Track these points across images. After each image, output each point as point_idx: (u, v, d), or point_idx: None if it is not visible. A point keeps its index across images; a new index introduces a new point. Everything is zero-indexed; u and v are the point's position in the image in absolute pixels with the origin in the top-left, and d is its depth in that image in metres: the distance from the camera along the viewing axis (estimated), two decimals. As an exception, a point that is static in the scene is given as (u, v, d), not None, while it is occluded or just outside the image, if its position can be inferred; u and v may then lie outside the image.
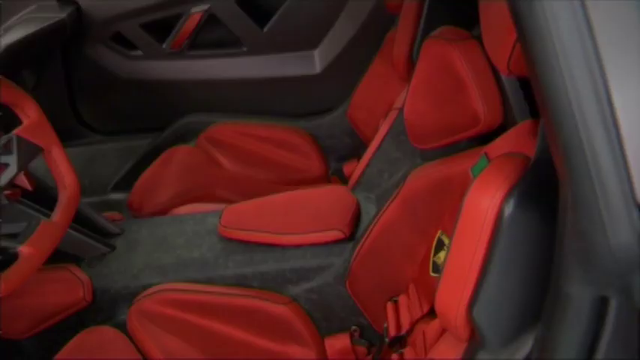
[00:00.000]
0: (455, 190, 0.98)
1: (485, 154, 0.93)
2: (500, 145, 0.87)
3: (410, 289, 1.09)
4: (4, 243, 0.97)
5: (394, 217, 1.12)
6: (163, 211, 1.63)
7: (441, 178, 1.02)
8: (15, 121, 1.09)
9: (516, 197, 0.62)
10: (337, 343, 1.27)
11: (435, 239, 1.03)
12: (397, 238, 1.13)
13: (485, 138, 1.02)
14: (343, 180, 1.76)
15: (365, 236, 1.19)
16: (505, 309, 0.65)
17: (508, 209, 0.61)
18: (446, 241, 1.00)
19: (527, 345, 0.65)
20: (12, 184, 1.05)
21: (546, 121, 0.53)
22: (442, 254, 1.01)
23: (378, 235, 1.16)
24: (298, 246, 1.31)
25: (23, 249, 0.97)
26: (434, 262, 1.03)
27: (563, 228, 0.56)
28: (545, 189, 0.62)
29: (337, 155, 1.94)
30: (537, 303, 0.64)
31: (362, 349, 1.27)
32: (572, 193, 0.53)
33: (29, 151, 1.06)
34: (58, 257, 1.32)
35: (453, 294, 0.67)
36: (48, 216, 1.14)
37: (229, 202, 1.52)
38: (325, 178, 1.89)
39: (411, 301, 1.08)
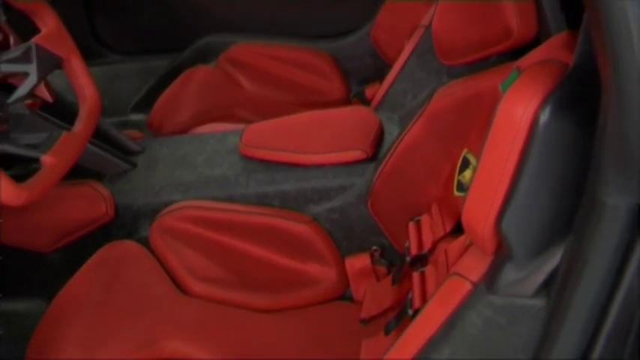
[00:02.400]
0: (483, 107, 0.95)
1: (517, 68, 0.90)
2: (533, 58, 0.84)
3: (433, 209, 1.08)
4: (26, 153, 0.97)
5: (418, 136, 1.10)
6: (183, 131, 1.63)
7: (469, 95, 1.00)
8: (33, 31, 1.07)
9: (553, 104, 0.59)
10: (357, 262, 1.28)
11: (461, 158, 1.01)
12: (421, 158, 1.11)
13: (517, 53, 0.98)
14: (364, 103, 1.73)
15: (388, 156, 1.17)
16: (535, 220, 0.64)
17: (544, 117, 0.59)
18: (472, 159, 0.98)
19: (555, 257, 0.64)
20: (32, 94, 1.04)
21: (593, 19, 0.50)
22: (467, 173, 0.99)
23: (402, 154, 1.14)
24: (320, 165, 1.30)
25: (45, 159, 0.97)
26: (458, 181, 1.01)
27: (602, 135, 0.54)
28: (584, 97, 0.60)
29: (359, 78, 1.90)
30: (568, 214, 0.62)
31: (382, 269, 1.27)
32: (616, 98, 0.51)
33: (48, 61, 1.04)
34: (81, 174, 1.33)
35: (482, 205, 0.65)
36: (68, 130, 1.14)
37: (249, 122, 1.51)
38: (346, 101, 1.86)
39: (433, 221, 1.07)
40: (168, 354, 1.08)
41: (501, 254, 0.68)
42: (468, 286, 0.73)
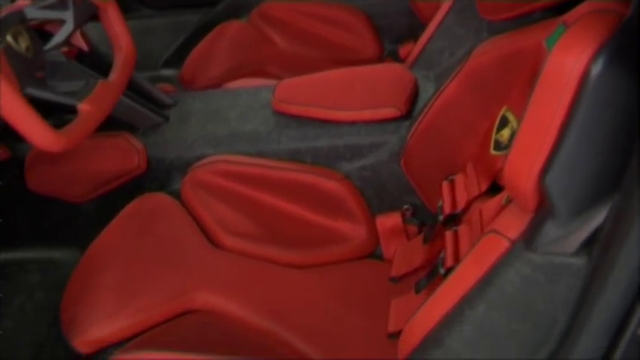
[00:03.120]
0: (525, 64, 0.93)
1: (563, 23, 0.87)
2: (582, 12, 0.80)
3: (468, 168, 1.07)
4: (63, 100, 0.97)
5: (456, 93, 1.08)
6: (215, 86, 1.62)
7: (511, 51, 0.97)
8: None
9: (606, 56, 0.57)
10: (388, 221, 1.27)
11: (499, 116, 0.99)
12: (457, 115, 1.09)
13: (563, 8, 0.94)
14: (398, 62, 1.70)
15: (423, 113, 1.15)
16: (580, 177, 0.62)
17: (596, 69, 0.57)
18: (511, 117, 0.96)
19: (599, 216, 0.63)
20: (68, 42, 1.03)
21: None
22: (505, 131, 0.97)
23: (438, 112, 1.12)
24: (353, 122, 1.29)
25: (82, 106, 0.97)
26: (496, 140, 0.99)
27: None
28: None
29: (392, 36, 1.87)
30: (616, 172, 0.61)
31: (413, 228, 1.27)
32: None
33: (85, 9, 1.04)
34: (114, 126, 1.34)
35: (526, 160, 0.64)
36: (104, 79, 1.13)
37: (280, 79, 1.49)
38: (379, 59, 1.83)
39: (468, 180, 1.05)
40: (200, 305, 1.10)
41: (542, 211, 0.66)
42: (505, 244, 0.72)
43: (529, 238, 0.68)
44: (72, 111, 1.04)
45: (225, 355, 0.94)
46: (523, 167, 0.64)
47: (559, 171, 0.61)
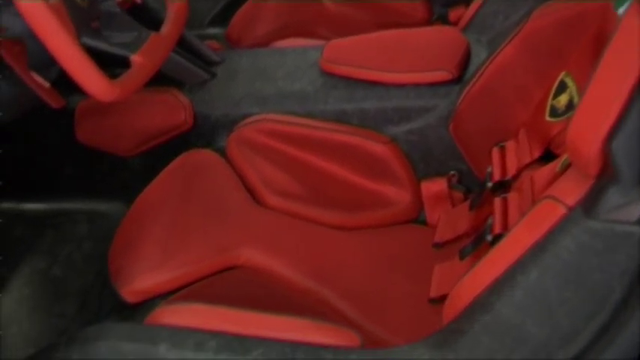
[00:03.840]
0: (588, 27, 0.89)
1: (634, -16, 0.83)
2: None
3: (520, 134, 1.04)
4: (117, 51, 0.98)
5: (512, 57, 1.05)
6: (262, 45, 1.61)
7: (574, 13, 0.93)
8: None
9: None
10: (433, 186, 1.25)
11: (557, 81, 0.96)
12: (512, 80, 1.06)
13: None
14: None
15: (476, 77, 1.13)
16: (650, 143, 0.60)
17: (674, 29, 0.54)
18: (570, 83, 0.93)
19: (666, 184, 0.61)
20: (122, -7, 1.04)
21: None
22: (563, 97, 0.94)
23: (491, 76, 1.09)
24: (402, 85, 1.26)
25: (135, 58, 0.97)
26: (552, 106, 0.97)
27: None
28: None
29: (443, 0, 1.82)
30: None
31: (458, 195, 1.25)
32: None
33: (139, -40, 1.04)
34: (162, 81, 1.34)
35: (592, 123, 0.61)
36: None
37: (329, 40, 1.47)
38: (428, 23, 1.79)
39: (519, 147, 1.03)
40: (243, 261, 1.11)
41: (605, 177, 0.64)
42: (562, 210, 0.70)
43: (589, 204, 0.66)
44: (122, 65, 1.05)
45: (268, 312, 0.95)
46: (588, 131, 0.62)
47: (627, 136, 0.59)
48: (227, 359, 0.80)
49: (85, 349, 0.84)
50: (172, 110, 1.33)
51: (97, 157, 1.43)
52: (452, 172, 1.25)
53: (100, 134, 1.40)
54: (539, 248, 0.70)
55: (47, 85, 0.90)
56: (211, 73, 1.39)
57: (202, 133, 1.36)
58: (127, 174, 1.44)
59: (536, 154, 0.98)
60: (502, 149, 1.07)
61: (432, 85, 1.25)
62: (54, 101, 0.90)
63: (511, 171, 1.02)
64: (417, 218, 1.27)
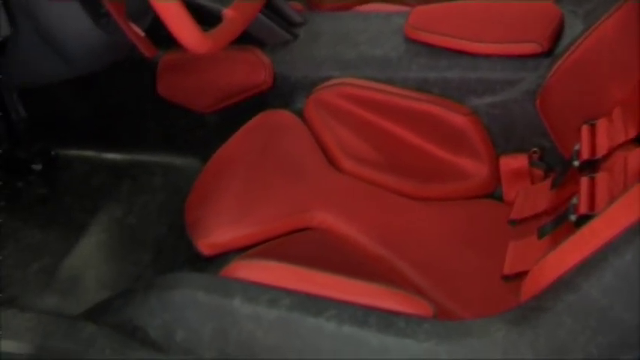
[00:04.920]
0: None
1: None
2: None
3: (614, 113, 1.00)
4: (210, 4, 0.98)
5: (613, 31, 1.00)
6: (345, 8, 1.59)
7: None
8: None
9: None
10: (513, 162, 1.22)
11: (661, 60, 0.91)
12: (610, 56, 1.01)
13: None
14: None
15: (570, 51, 1.08)
16: None
17: None
18: (675, 61, 0.88)
19: None
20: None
21: None
22: (666, 77, 0.90)
23: (588, 50, 1.04)
24: (489, 55, 1.22)
25: (227, 12, 0.97)
26: (653, 86, 0.92)
27: None
28: None
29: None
30: None
31: (539, 172, 1.21)
32: None
33: None
34: (244, 40, 1.34)
35: None
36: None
37: (412, 6, 1.44)
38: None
39: (613, 125, 0.99)
40: (317, 223, 1.11)
41: None
42: (663, 193, 0.67)
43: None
44: (209, 22, 1.05)
45: (340, 275, 0.95)
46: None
47: None
48: (299, 318, 0.81)
49: (163, 296, 0.87)
50: (253, 69, 1.34)
51: (176, 111, 1.45)
52: (533, 149, 1.21)
53: (181, 89, 1.42)
54: (635, 231, 0.67)
55: (142, 34, 0.92)
56: (293, 34, 1.39)
57: (280, 93, 1.36)
58: (203, 130, 1.47)
59: (632, 134, 0.93)
60: (592, 127, 1.02)
61: (521, 57, 1.20)
62: (148, 50, 0.91)
63: (601, 150, 0.98)
64: (492, 193, 1.24)
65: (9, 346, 0.87)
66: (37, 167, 1.44)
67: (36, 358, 0.87)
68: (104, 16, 0.93)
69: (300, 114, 1.30)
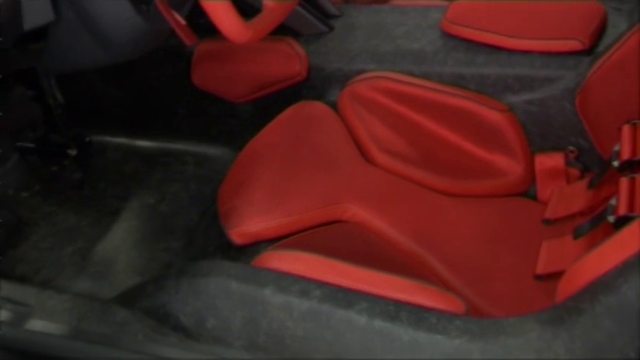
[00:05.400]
0: None
1: None
2: None
3: (657, 113, 0.98)
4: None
5: (660, 29, 0.97)
6: (380, 1, 1.58)
7: None
8: None
9: None
10: (549, 161, 1.20)
11: None
12: (655, 54, 0.99)
13: None
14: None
15: (613, 49, 1.06)
16: None
17: None
18: None
19: None
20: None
21: None
22: None
23: (632, 48, 1.02)
24: (527, 52, 1.21)
25: (268, 2, 0.98)
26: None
27: None
28: None
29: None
30: None
31: (575, 172, 1.19)
32: None
33: None
34: (279, 31, 1.34)
35: None
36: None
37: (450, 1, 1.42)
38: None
39: (655, 126, 0.97)
40: (349, 216, 1.11)
41: None
42: None
43: None
44: (246, 13, 1.05)
45: (371, 269, 0.95)
46: None
47: None
48: (330, 310, 0.81)
49: (195, 283, 0.87)
50: (288, 60, 1.33)
51: (209, 101, 1.46)
52: (571, 148, 1.20)
53: (215, 79, 1.42)
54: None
55: (184, 22, 0.92)
56: (329, 26, 1.38)
57: (314, 85, 1.35)
58: (235, 120, 1.47)
59: (675, 135, 0.91)
60: (634, 127, 1.00)
61: (561, 54, 1.18)
62: (189, 39, 0.91)
63: (643, 150, 0.96)
64: (526, 192, 1.23)
65: (45, 326, 0.89)
66: (72, 152, 1.45)
67: (70, 339, 0.88)
68: (145, 4, 0.94)
69: (333, 106, 1.30)
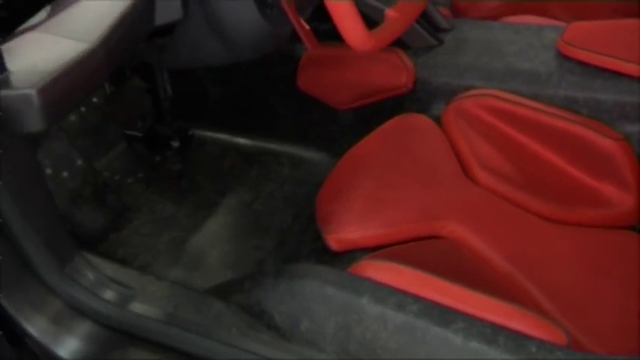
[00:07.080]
0: None
1: None
2: None
3: None
4: (374, 3, 0.98)
5: None
6: (492, 18, 1.55)
7: None
8: None
9: None
10: (663, 195, 1.14)
11: None
12: None
13: None
14: None
15: None
16: None
17: None
18: None
19: None
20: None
21: None
22: None
23: None
24: (649, 80, 1.16)
25: (390, 13, 0.98)
26: None
27: None
28: None
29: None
30: None
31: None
32: None
33: None
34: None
35: None
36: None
37: (562, 21, 1.38)
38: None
39: None
40: (447, 233, 1.09)
41: None
42: None
43: None
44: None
45: (469, 288, 0.93)
46: None
47: None
48: (426, 326, 0.80)
49: (293, 284, 0.88)
50: (395, 71, 1.33)
51: (312, 105, 1.47)
52: (692, 184, 1.13)
53: (320, 84, 1.44)
54: None
55: (307, 27, 0.94)
56: (439, 40, 1.37)
57: (419, 98, 1.34)
58: (336, 127, 1.48)
59: None
60: None
61: None
62: (311, 43, 0.93)
63: None
64: (634, 226, 1.17)
65: (144, 309, 0.92)
66: (175, 144, 1.50)
67: (166, 325, 0.91)
68: (270, 8, 0.96)
69: (436, 120, 1.28)
